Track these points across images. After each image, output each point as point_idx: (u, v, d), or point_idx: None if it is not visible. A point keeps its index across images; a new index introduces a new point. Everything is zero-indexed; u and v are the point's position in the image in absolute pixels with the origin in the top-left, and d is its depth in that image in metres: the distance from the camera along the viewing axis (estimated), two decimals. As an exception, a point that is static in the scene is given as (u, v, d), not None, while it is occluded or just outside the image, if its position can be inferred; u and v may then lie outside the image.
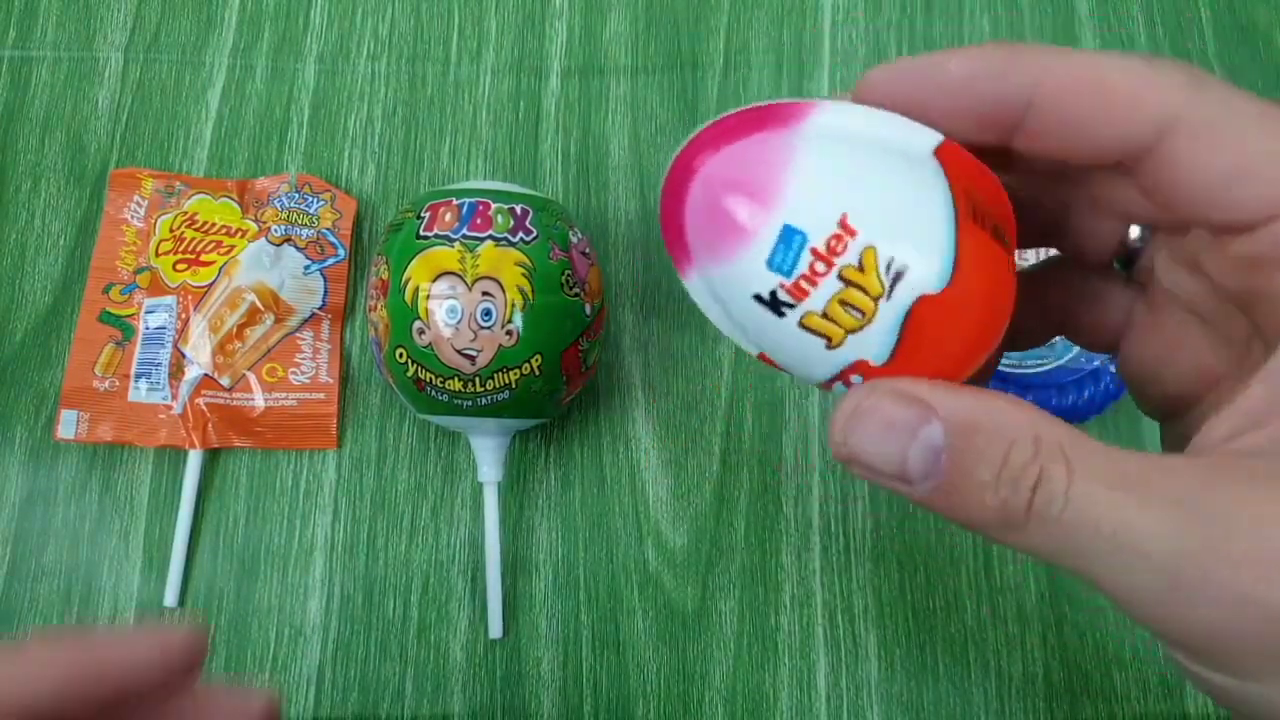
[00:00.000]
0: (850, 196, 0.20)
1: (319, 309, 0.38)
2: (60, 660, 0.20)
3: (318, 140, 0.41)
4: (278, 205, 0.39)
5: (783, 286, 0.20)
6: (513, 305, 0.31)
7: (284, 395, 0.38)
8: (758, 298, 0.20)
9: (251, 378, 0.38)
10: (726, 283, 0.21)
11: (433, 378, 0.32)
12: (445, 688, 0.35)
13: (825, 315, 0.20)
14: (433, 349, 0.31)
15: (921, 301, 0.19)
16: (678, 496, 0.37)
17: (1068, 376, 0.35)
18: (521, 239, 0.32)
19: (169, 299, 0.38)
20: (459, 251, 0.31)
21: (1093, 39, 0.42)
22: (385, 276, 0.32)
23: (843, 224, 0.19)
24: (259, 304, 0.38)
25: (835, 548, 0.36)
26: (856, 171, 0.20)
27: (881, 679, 0.35)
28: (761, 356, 0.22)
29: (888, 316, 0.20)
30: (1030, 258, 0.31)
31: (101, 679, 0.20)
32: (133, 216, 0.39)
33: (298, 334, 0.38)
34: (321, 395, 0.38)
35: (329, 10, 0.43)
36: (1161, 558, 0.17)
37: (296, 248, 0.39)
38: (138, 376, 0.37)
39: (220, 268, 0.38)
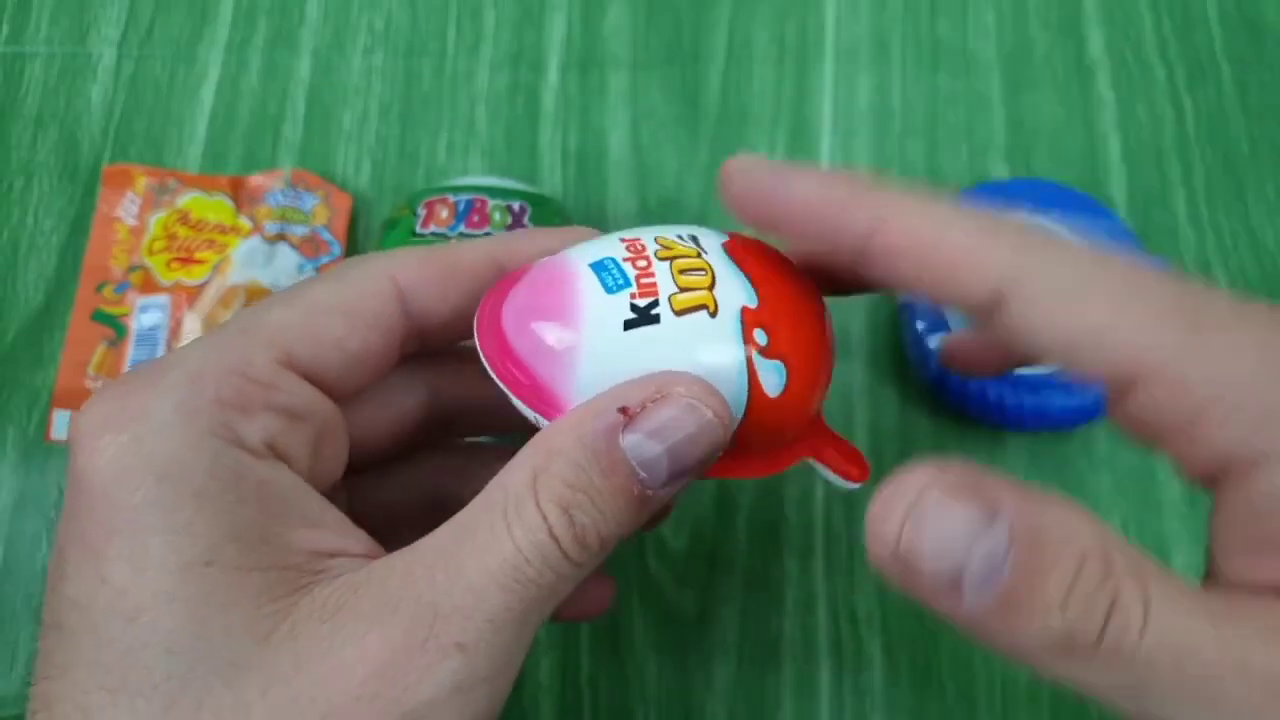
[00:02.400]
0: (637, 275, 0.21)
1: (314, 308, 0.38)
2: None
3: (312, 136, 0.41)
4: (272, 202, 0.39)
5: (634, 295, 0.20)
6: None
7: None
8: (628, 322, 0.20)
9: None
10: (594, 346, 0.20)
11: None
12: (442, 692, 0.35)
13: (684, 289, 0.20)
14: None
15: (746, 307, 0.21)
16: (678, 500, 0.36)
17: (1070, 379, 0.35)
18: None
19: (162, 298, 0.38)
20: None
21: (1100, 33, 0.42)
22: None
23: (629, 244, 0.21)
24: (253, 303, 0.37)
25: (839, 551, 0.36)
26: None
27: (885, 685, 0.35)
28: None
29: (720, 262, 0.21)
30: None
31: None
32: (125, 214, 0.39)
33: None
34: (317, 395, 0.37)
35: (324, 4, 0.42)
36: (1252, 703, 0.15)
37: (291, 245, 0.38)
38: (130, 376, 0.37)
39: (214, 266, 0.38)
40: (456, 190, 0.32)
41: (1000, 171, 0.40)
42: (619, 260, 0.20)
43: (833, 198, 0.20)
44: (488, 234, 0.31)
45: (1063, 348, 0.18)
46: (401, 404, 0.25)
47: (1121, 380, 0.18)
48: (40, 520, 0.36)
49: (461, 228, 0.31)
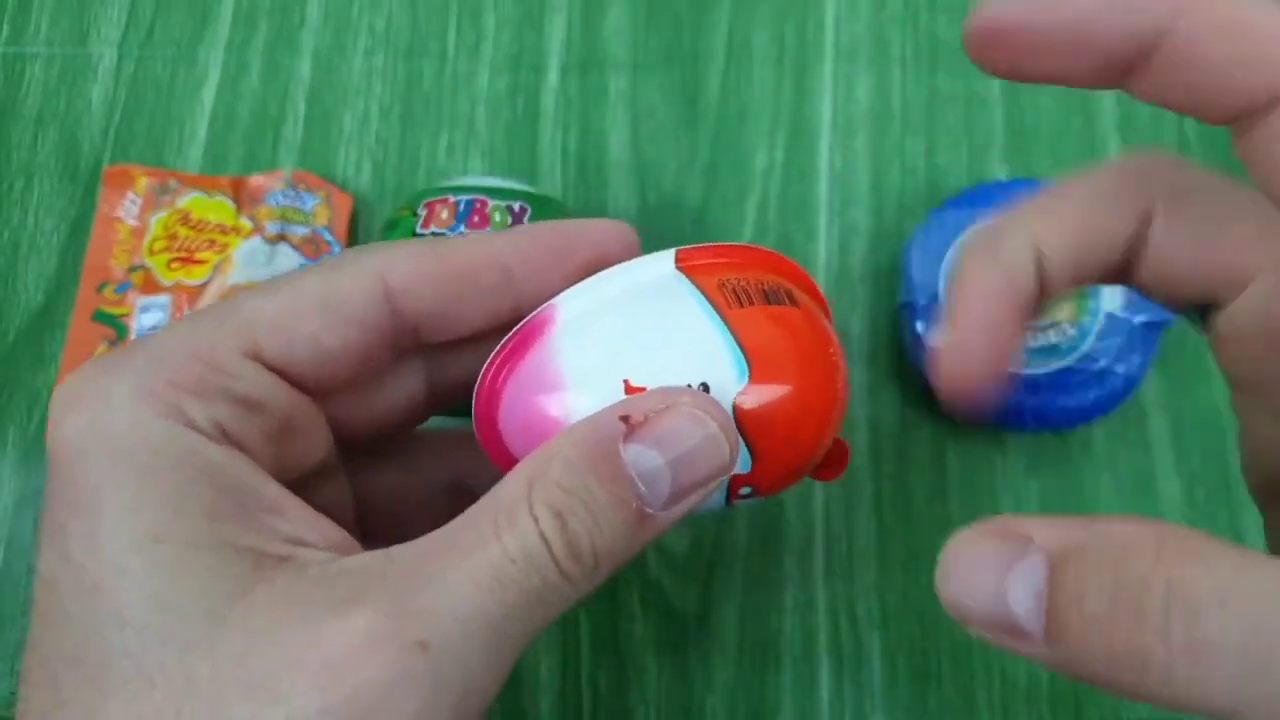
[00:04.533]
0: (623, 361, 0.20)
1: (315, 308, 0.38)
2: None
3: (313, 137, 0.41)
4: (272, 203, 0.39)
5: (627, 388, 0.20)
6: None
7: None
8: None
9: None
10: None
11: None
12: (442, 692, 0.35)
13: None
14: None
15: (739, 406, 0.19)
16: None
17: (1074, 378, 0.35)
18: None
19: (163, 298, 0.38)
20: None
21: (1099, 33, 0.42)
22: None
23: (629, 389, 0.20)
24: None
25: (838, 551, 0.36)
26: (617, 334, 0.20)
27: (885, 684, 0.35)
28: None
29: (706, 328, 0.20)
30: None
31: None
32: (126, 214, 0.39)
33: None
34: (317, 395, 0.37)
35: (325, 5, 0.42)
36: None
37: (291, 246, 0.38)
38: (131, 376, 0.37)
39: (214, 266, 0.38)
40: (457, 190, 0.32)
41: (1000, 172, 0.40)
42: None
43: None
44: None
45: None
46: (393, 393, 0.25)
47: None
48: (41, 520, 0.36)
49: (462, 228, 0.31)
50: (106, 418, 0.19)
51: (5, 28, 0.42)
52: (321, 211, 0.39)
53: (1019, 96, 0.41)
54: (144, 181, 0.39)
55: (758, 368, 0.20)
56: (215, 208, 0.39)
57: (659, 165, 0.40)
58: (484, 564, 0.18)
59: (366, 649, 0.17)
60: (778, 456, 0.20)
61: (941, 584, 0.17)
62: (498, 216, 0.31)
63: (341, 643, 0.17)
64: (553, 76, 0.41)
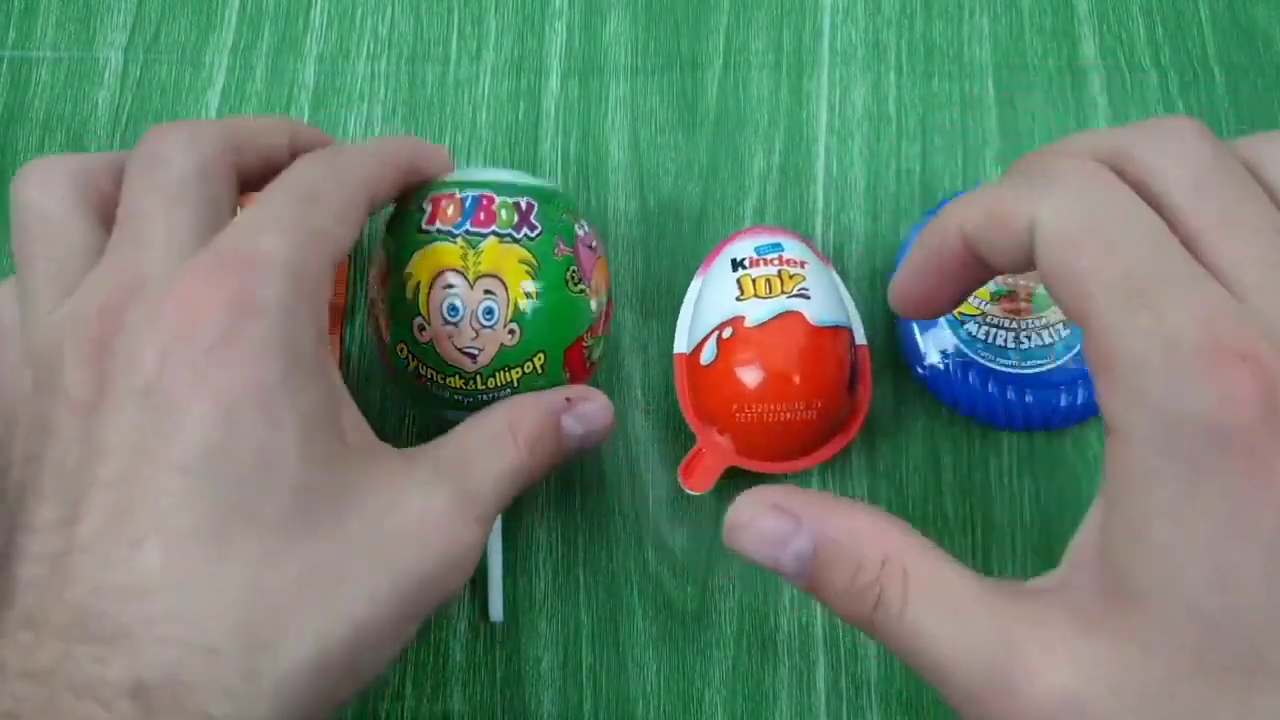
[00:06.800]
0: None
1: (319, 309, 0.38)
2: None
3: (317, 140, 0.41)
4: (278, 205, 0.39)
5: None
6: (515, 304, 0.31)
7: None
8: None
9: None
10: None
11: (434, 374, 0.32)
12: (445, 687, 0.35)
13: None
14: (433, 346, 0.31)
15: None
16: (677, 497, 0.37)
17: (1065, 378, 0.35)
18: (525, 235, 0.31)
19: (169, 299, 0.38)
20: (461, 248, 0.31)
21: (1092, 38, 0.42)
22: (385, 270, 0.32)
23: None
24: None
25: (835, 547, 0.36)
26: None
27: (881, 678, 0.35)
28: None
29: None
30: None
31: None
32: (133, 217, 0.39)
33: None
34: (321, 395, 0.38)
35: (329, 10, 0.43)
36: (964, 683, 0.21)
37: (296, 248, 0.39)
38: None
39: (220, 268, 0.38)
40: (464, 186, 0.32)
41: (994, 174, 0.40)
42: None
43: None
44: (494, 232, 0.31)
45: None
46: None
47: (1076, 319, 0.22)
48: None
49: (468, 225, 0.31)
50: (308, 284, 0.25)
51: (11, 32, 0.43)
52: (325, 214, 0.39)
53: (1013, 100, 0.41)
54: (150, 184, 0.40)
55: None
56: (221, 210, 0.39)
57: (658, 169, 0.40)
58: (507, 467, 0.28)
59: (449, 519, 0.26)
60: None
61: (730, 538, 0.25)
62: (504, 214, 0.32)
63: (435, 511, 0.26)
64: (554, 81, 0.42)
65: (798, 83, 0.42)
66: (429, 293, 0.31)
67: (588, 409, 0.31)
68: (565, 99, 0.41)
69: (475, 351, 0.31)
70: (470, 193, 0.32)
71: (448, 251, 0.31)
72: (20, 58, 0.42)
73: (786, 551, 0.23)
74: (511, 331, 0.31)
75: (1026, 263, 0.23)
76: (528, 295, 0.31)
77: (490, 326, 0.31)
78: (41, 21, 0.43)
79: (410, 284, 0.31)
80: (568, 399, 0.31)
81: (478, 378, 0.31)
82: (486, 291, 0.31)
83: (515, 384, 0.31)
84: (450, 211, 0.31)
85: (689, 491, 0.35)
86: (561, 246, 0.32)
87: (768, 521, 0.24)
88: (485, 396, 0.32)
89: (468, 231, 0.31)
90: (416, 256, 0.31)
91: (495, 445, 0.28)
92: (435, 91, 0.42)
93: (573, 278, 0.32)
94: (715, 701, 0.35)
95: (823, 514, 0.24)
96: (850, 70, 0.42)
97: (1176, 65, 0.42)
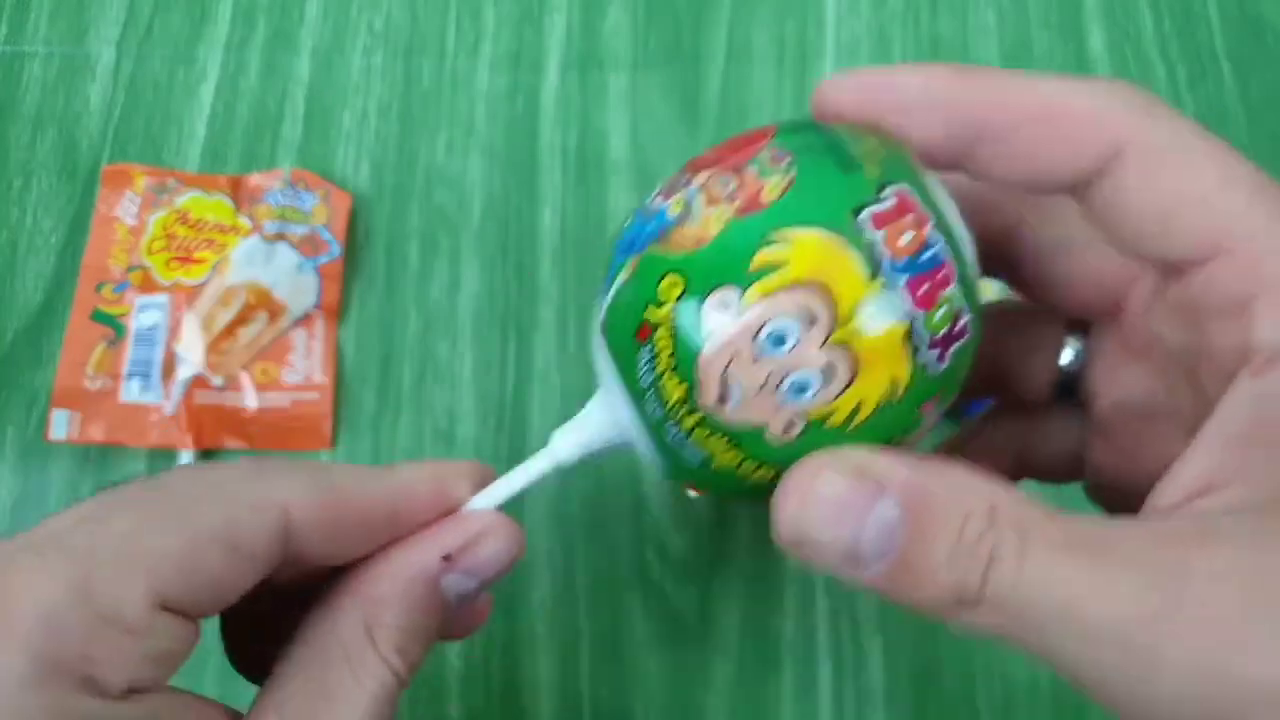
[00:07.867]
0: None
1: (313, 307, 0.38)
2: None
3: (312, 136, 0.41)
4: (271, 202, 0.39)
5: None
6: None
7: (277, 395, 0.37)
8: None
9: (244, 377, 0.37)
10: None
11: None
12: (443, 694, 0.35)
13: None
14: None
15: None
16: (679, 501, 0.36)
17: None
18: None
19: (161, 297, 0.38)
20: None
21: (1100, 32, 0.42)
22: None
23: None
24: (252, 302, 0.37)
25: (838, 550, 0.36)
26: None
27: (885, 686, 0.35)
28: None
29: None
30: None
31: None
32: (125, 214, 0.39)
33: (290, 332, 0.38)
34: (315, 395, 0.37)
35: (323, 3, 0.42)
36: (1113, 626, 0.16)
37: (290, 245, 0.38)
38: (130, 376, 0.37)
39: (213, 265, 0.38)
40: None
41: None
42: None
43: (941, 89, 0.20)
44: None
45: (1158, 215, 0.18)
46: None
47: (1199, 254, 0.18)
48: (40, 520, 0.36)
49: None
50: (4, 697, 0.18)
51: (4, 26, 0.42)
52: (320, 210, 0.39)
53: (1020, 95, 0.41)
54: (142, 181, 0.39)
55: None
56: (214, 207, 0.39)
57: (658, 164, 0.40)
58: (361, 705, 0.21)
59: None
60: None
61: (793, 518, 0.18)
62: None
63: None
64: (552, 75, 0.41)
65: (801, 77, 0.41)
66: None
67: (481, 557, 0.22)
68: (564, 93, 0.41)
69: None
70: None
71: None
72: (12, 52, 0.42)
73: (867, 523, 0.17)
74: None
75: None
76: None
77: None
78: (34, 16, 0.42)
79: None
80: (445, 557, 0.22)
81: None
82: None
83: None
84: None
85: (690, 495, 0.34)
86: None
87: (838, 488, 0.18)
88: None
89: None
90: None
91: (341, 676, 0.21)
92: (432, 85, 0.41)
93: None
94: (717, 708, 0.35)
95: (907, 467, 0.18)
96: (854, 64, 0.41)
97: (1184, 58, 0.41)
